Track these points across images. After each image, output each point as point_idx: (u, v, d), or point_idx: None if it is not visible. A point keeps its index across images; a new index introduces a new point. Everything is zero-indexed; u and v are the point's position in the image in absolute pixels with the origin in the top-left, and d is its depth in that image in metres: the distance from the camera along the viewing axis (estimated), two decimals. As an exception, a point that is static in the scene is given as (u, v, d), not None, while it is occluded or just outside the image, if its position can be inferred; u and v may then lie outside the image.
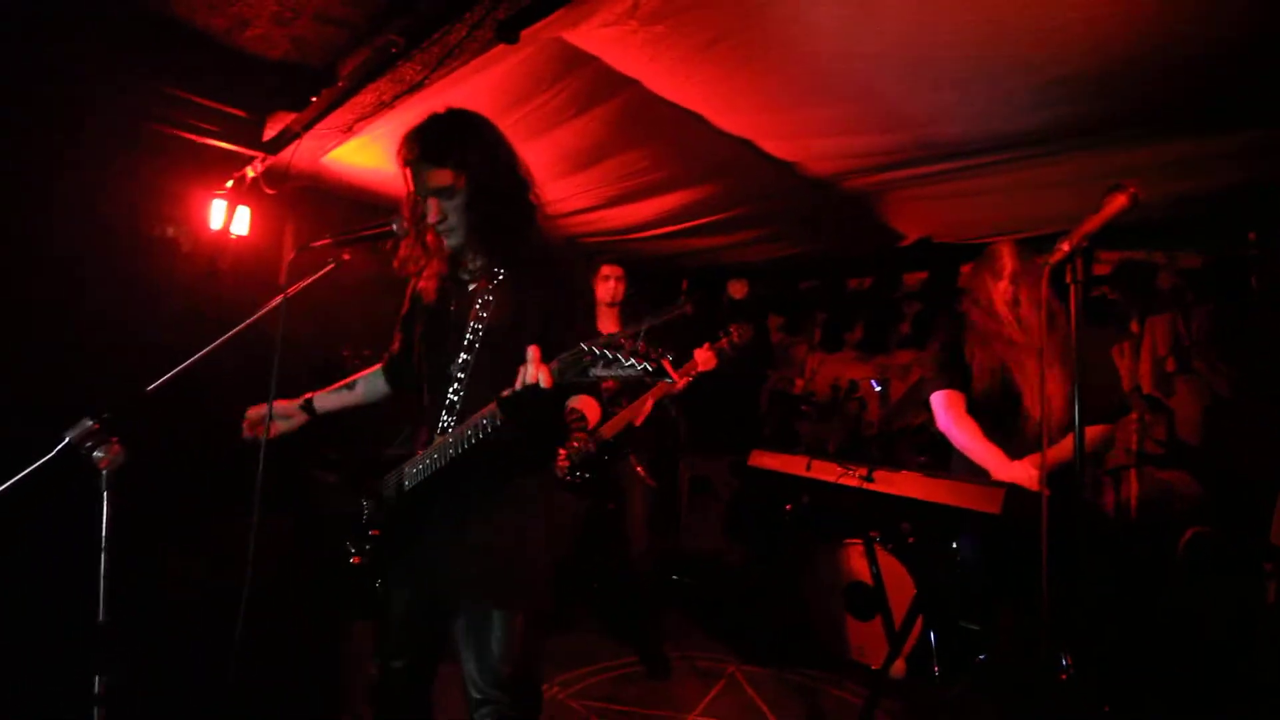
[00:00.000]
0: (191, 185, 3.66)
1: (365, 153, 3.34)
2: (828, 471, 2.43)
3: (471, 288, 1.67)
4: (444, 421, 1.62)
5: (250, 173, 3.60)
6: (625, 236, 4.30)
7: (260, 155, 3.44)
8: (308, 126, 2.96)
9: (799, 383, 5.06)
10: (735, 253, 4.59)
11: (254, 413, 1.77)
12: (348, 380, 1.90)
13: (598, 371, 1.19)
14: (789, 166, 3.06)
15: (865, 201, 3.43)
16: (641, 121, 2.76)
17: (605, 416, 3.16)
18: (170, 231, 3.80)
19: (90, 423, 1.37)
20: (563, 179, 3.26)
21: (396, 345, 1.89)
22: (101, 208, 3.39)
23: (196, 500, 3.17)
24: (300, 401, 1.84)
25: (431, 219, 1.56)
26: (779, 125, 2.71)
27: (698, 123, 2.71)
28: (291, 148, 3.19)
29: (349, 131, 2.97)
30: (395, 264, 1.70)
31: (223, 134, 3.37)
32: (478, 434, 1.43)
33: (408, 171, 1.57)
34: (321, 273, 1.55)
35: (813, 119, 2.61)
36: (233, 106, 3.31)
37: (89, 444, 1.37)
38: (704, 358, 3.20)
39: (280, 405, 1.79)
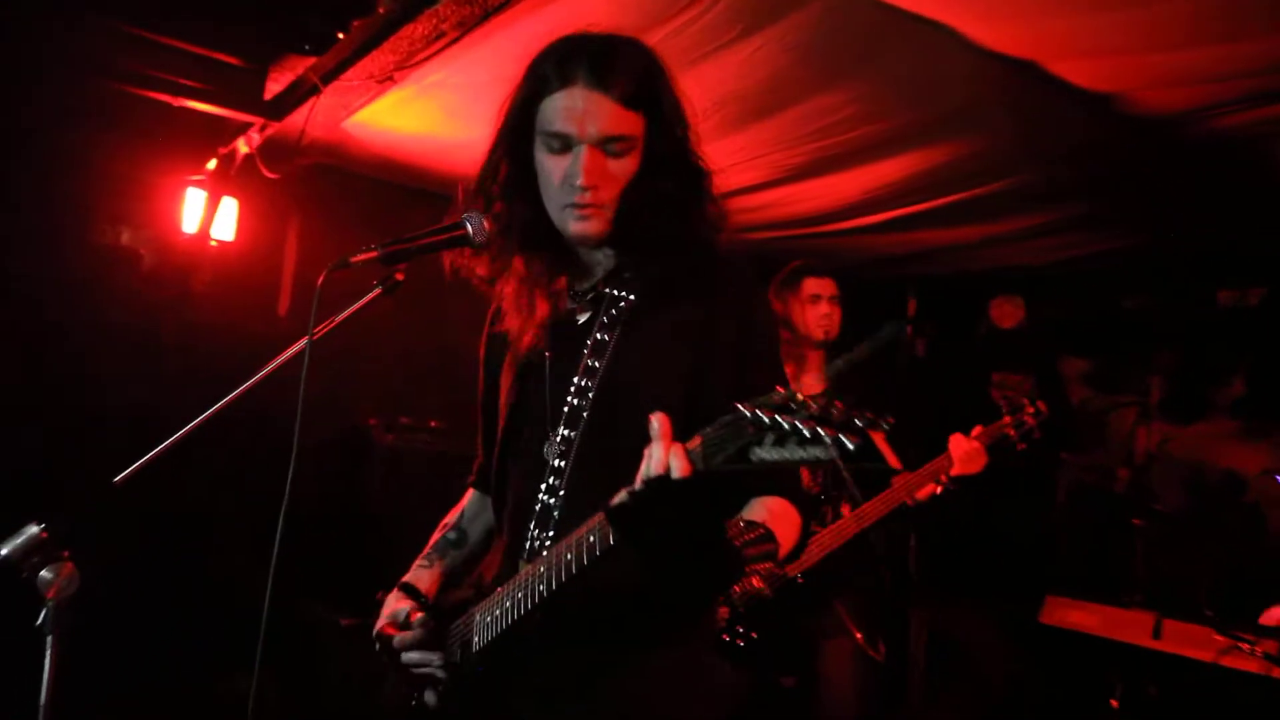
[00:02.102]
0: (156, 169, 4.05)
1: (406, 112, 3.56)
2: (1198, 642, 2.31)
3: (582, 319, 1.71)
4: (533, 537, 1.65)
5: (242, 148, 3.95)
6: (806, 231, 4.29)
7: (258, 121, 3.77)
8: (331, 75, 3.21)
9: (1122, 474, 4.90)
10: (1000, 251, 4.48)
11: (394, 607, 1.82)
12: (445, 527, 1.94)
13: (765, 453, 1.15)
14: (1102, 101, 3.00)
15: (1246, 156, 3.26)
16: (847, 43, 2.79)
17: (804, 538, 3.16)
18: (124, 238, 4.22)
19: (37, 530, 1.46)
20: (713, 141, 3.34)
21: (482, 441, 1.92)
22: (29, 206, 3.81)
23: (166, 645, 3.42)
24: (407, 601, 1.82)
25: (583, 181, 1.57)
26: (1086, 34, 2.66)
27: (943, 39, 2.71)
28: (305, 108, 3.47)
29: (388, 81, 3.20)
30: (450, 269, 1.76)
31: (205, 92, 3.72)
32: (580, 561, 1.44)
33: (549, 100, 1.58)
34: (364, 302, 1.57)
35: (1148, 22, 2.54)
36: (221, 51, 3.66)
37: (34, 561, 1.46)
38: (966, 452, 3.12)
39: (394, 611, 1.82)
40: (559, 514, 1.62)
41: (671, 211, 1.61)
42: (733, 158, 3.54)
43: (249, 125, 3.83)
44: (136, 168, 4.04)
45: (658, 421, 1.26)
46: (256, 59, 3.66)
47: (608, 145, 1.57)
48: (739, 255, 1.74)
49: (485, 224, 1.65)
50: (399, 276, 1.63)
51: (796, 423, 1.11)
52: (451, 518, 1.98)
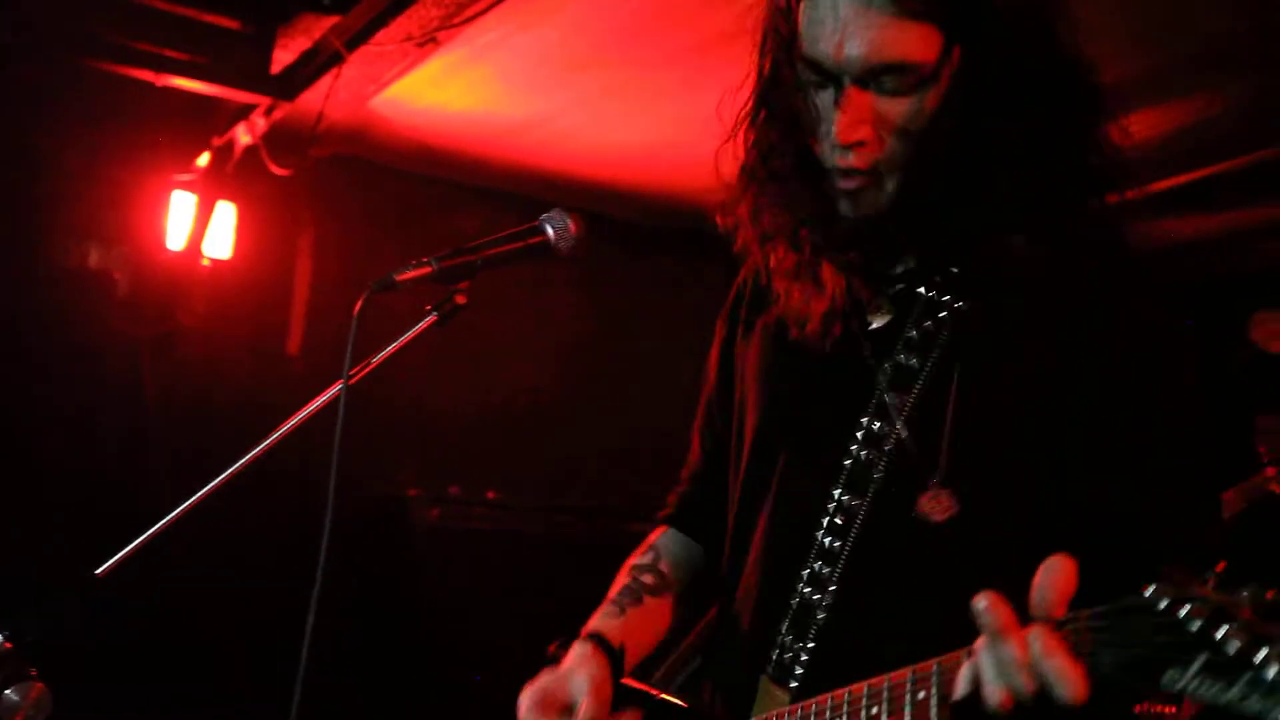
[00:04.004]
0: (133, 169, 4.13)
1: (454, 85, 3.62)
2: None
3: (877, 324, 1.59)
4: (783, 645, 1.54)
5: (243, 137, 4.02)
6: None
7: (263, 102, 3.85)
8: (358, 38, 3.25)
9: None
10: (1266, 248, 4.42)
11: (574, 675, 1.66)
12: (633, 569, 1.85)
13: (1191, 685, 0.94)
14: None
15: None
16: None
17: None
18: (93, 258, 4.32)
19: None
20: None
21: (700, 463, 1.91)
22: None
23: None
24: (584, 649, 1.67)
25: (839, 135, 1.40)
26: None
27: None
28: (323, 83, 3.53)
29: (431, 43, 3.24)
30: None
31: (194, 66, 3.79)
32: None
33: (804, 6, 1.41)
34: (414, 333, 1.60)
35: None
36: (214, 12, 3.74)
37: (-4, 680, 1.56)
38: None
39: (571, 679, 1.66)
40: (824, 618, 1.51)
41: (1012, 171, 1.42)
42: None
43: (251, 107, 3.92)
44: (108, 167, 4.12)
45: (1052, 581, 1.07)
46: (260, 21, 3.71)
47: (880, 80, 1.39)
48: (1143, 246, 1.54)
49: (571, 226, 1.64)
50: (460, 300, 1.61)
51: (1262, 650, 0.91)
52: (641, 557, 1.85)
